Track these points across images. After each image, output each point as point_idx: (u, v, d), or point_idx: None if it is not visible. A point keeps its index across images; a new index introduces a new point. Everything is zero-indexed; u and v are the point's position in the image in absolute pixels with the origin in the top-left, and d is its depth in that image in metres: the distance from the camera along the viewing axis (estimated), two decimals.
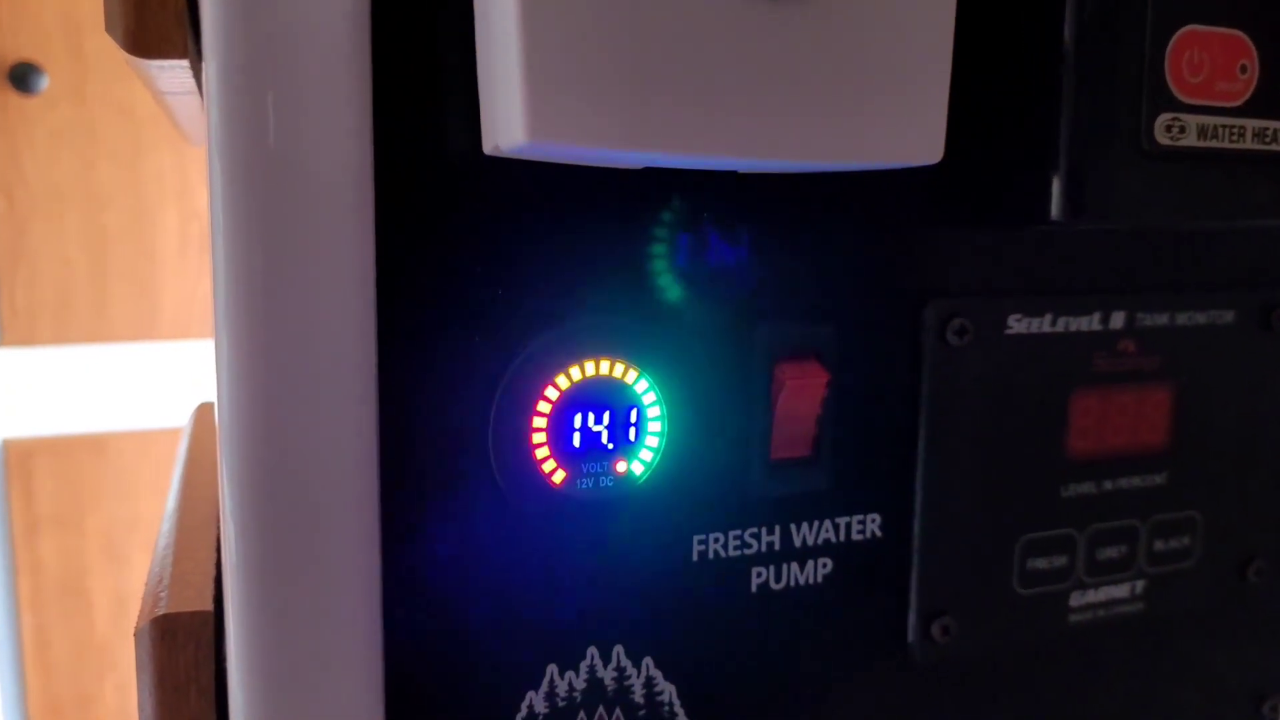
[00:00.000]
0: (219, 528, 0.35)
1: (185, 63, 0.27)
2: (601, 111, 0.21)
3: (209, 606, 0.29)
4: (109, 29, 0.26)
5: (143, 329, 1.47)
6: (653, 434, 0.26)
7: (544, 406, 0.25)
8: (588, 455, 0.25)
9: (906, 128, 0.24)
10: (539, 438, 0.25)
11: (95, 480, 1.47)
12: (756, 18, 0.22)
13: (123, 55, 0.30)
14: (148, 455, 1.49)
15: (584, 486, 0.25)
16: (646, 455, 0.26)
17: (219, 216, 0.22)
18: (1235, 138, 0.28)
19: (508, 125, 0.21)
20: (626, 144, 0.21)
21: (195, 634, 0.28)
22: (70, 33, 1.36)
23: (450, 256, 0.24)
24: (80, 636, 1.46)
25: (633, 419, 0.26)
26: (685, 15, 0.21)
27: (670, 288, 0.26)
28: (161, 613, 0.28)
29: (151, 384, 1.49)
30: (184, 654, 0.28)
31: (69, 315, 1.42)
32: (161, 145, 1.43)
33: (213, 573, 0.31)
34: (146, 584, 0.32)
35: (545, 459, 0.25)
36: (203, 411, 0.58)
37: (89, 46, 1.37)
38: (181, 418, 1.48)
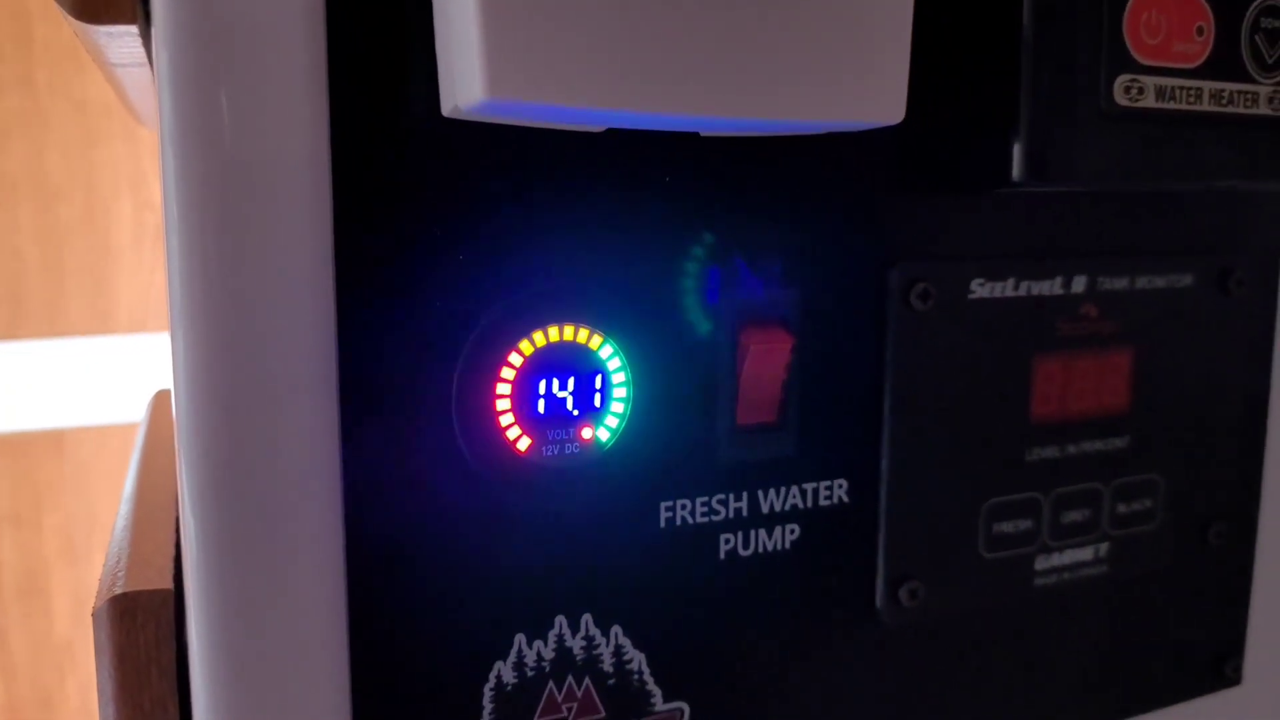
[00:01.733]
0: (179, 508, 0.35)
1: (134, 28, 0.27)
2: (562, 68, 0.21)
3: (169, 585, 0.28)
4: None
5: (99, 323, 1.45)
6: (618, 400, 0.26)
7: (508, 373, 0.25)
8: (553, 422, 0.25)
9: (868, 87, 0.24)
10: (503, 405, 0.25)
11: (53, 477, 1.44)
12: None
13: (72, 27, 0.30)
14: (105, 451, 1.46)
15: (549, 453, 0.25)
16: (612, 422, 0.26)
17: (171, 185, 0.22)
18: (1192, 99, 0.28)
19: (467, 83, 0.21)
20: (587, 101, 0.21)
21: (155, 613, 0.28)
22: (19, 21, 1.34)
23: (411, 221, 0.23)
24: (40, 636, 1.43)
25: (598, 385, 0.26)
26: None
27: (634, 251, 0.26)
28: (120, 591, 0.28)
29: (109, 378, 1.46)
30: (144, 633, 0.28)
31: (22, 310, 1.39)
32: (115, 135, 1.41)
33: (173, 553, 0.31)
34: (104, 566, 0.31)
35: (510, 426, 0.25)
36: (161, 398, 0.57)
37: (38, 35, 1.35)
38: (139, 412, 1.46)
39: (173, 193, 0.22)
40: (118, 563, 0.31)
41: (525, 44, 0.20)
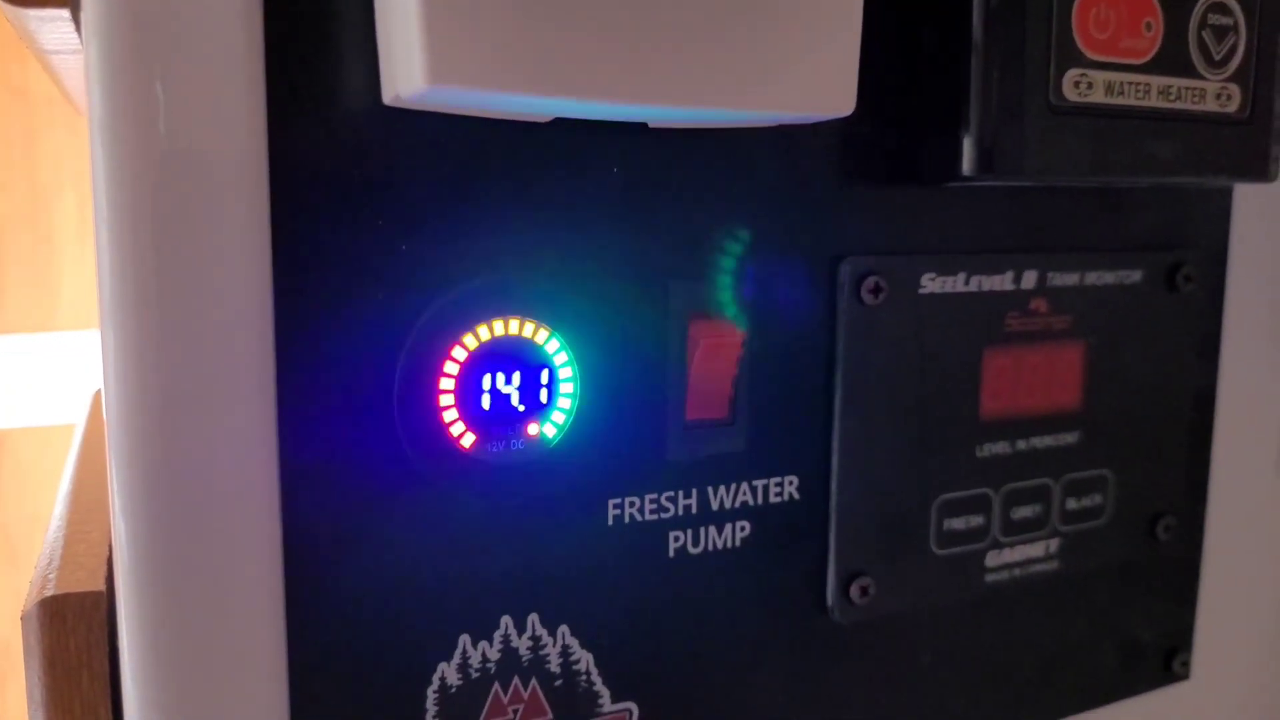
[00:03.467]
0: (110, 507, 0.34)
1: (65, 13, 0.26)
2: (504, 55, 0.20)
3: (101, 587, 0.27)
4: None
5: (40, 319, 1.41)
6: (565, 395, 0.25)
7: (451, 368, 0.24)
8: (497, 418, 0.25)
9: (818, 79, 0.24)
10: (446, 400, 0.24)
11: None
12: None
13: (5, 13, 0.29)
14: (47, 452, 1.43)
15: (494, 450, 0.25)
16: (559, 417, 0.25)
17: (101, 175, 0.21)
18: (1140, 95, 0.28)
19: (407, 71, 0.20)
20: (531, 89, 0.20)
21: (86, 615, 0.27)
22: None
23: (350, 211, 0.23)
24: None
25: (544, 380, 0.25)
26: None
27: (581, 245, 0.25)
28: (50, 594, 0.27)
29: (51, 377, 1.43)
30: (75, 636, 0.27)
31: None
32: (58, 127, 1.38)
33: (106, 554, 0.30)
34: (36, 568, 0.30)
35: (453, 422, 0.24)
36: (99, 397, 0.55)
37: None
38: (83, 412, 1.43)
39: (102, 183, 0.21)
40: (49, 564, 0.30)
41: (467, 31, 0.20)
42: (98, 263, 0.22)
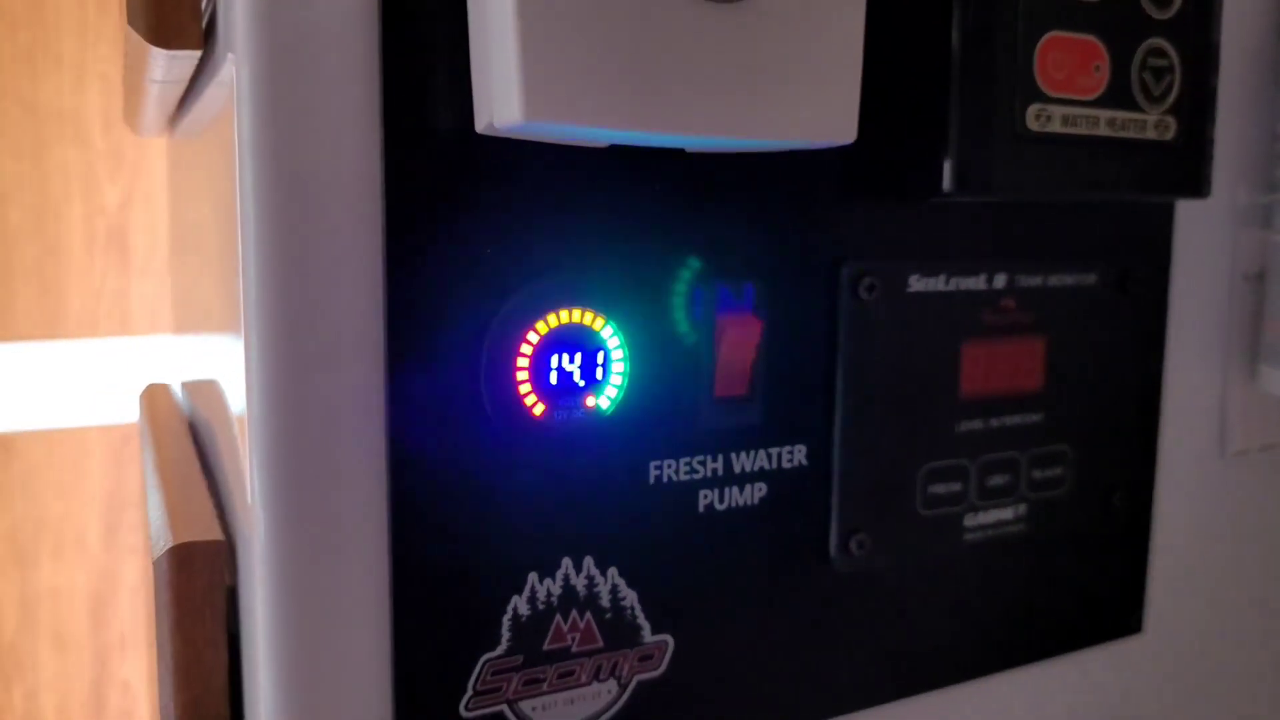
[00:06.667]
0: (208, 480, 0.39)
1: (196, 52, 0.31)
2: (585, 95, 0.25)
3: (221, 538, 0.32)
4: (131, 22, 0.30)
5: (48, 327, 1.45)
6: (617, 374, 0.30)
7: (525, 349, 0.29)
8: (562, 391, 0.30)
9: (825, 113, 0.29)
10: (522, 375, 0.29)
11: (1, 481, 1.44)
12: (705, 19, 0.27)
13: (127, 47, 0.34)
14: (54, 456, 1.47)
15: (559, 417, 0.30)
16: (612, 392, 0.30)
17: (249, 189, 0.26)
18: (1091, 125, 0.34)
19: (504, 105, 0.25)
20: (605, 122, 0.25)
21: (210, 560, 0.32)
22: None
23: (447, 221, 0.28)
24: None
25: (600, 361, 0.30)
26: (650, 15, 0.26)
27: (631, 249, 0.30)
28: (178, 542, 0.31)
29: (58, 383, 1.47)
30: (199, 579, 0.32)
31: None
32: (66, 140, 1.42)
33: (210, 516, 0.35)
34: (149, 531, 0.35)
35: (527, 394, 0.29)
36: (152, 391, 0.60)
37: None
38: (89, 417, 1.47)
39: (250, 196, 0.26)
40: (164, 524, 0.34)
41: (556, 74, 0.25)
42: (242, 268, 0.27)
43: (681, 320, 0.31)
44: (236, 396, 0.30)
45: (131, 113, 0.52)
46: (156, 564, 0.31)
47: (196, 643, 0.32)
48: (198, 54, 0.31)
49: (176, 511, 0.35)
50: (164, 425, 0.50)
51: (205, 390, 0.42)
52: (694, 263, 0.31)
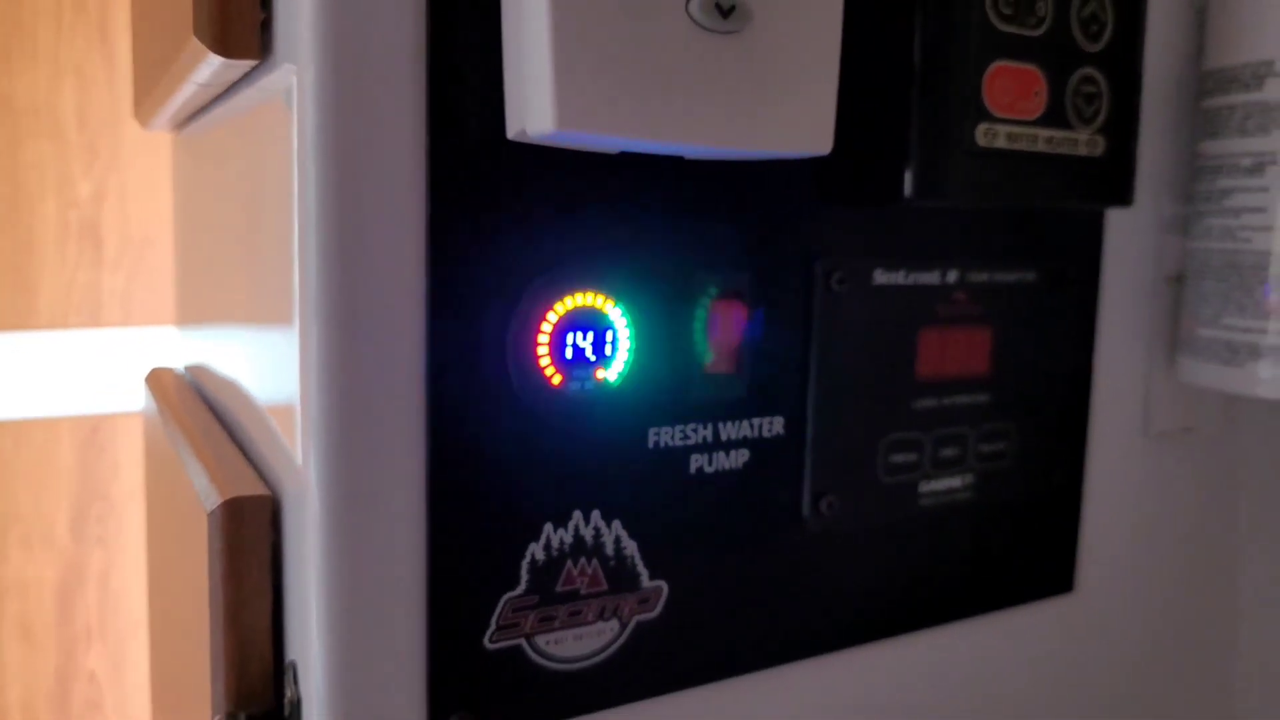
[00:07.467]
0: (244, 452, 0.43)
1: (252, 61, 0.35)
2: (606, 108, 0.30)
3: (268, 493, 0.36)
4: (198, 34, 0.34)
5: (18, 319, 1.46)
6: (623, 350, 0.35)
7: (545, 327, 0.34)
8: (576, 364, 0.34)
9: (806, 127, 0.34)
10: (542, 350, 0.34)
11: None
12: (708, 46, 0.31)
13: (181, 49, 0.37)
14: (23, 447, 1.48)
15: (573, 387, 0.34)
16: (618, 366, 0.35)
17: (312, 186, 0.30)
18: (1032, 142, 0.39)
19: (538, 116, 0.30)
20: (625, 133, 0.30)
21: (258, 513, 0.36)
22: None
23: (479, 215, 0.32)
24: None
25: (609, 339, 0.35)
26: (663, 42, 0.30)
27: (637, 242, 0.35)
28: (231, 496, 0.35)
29: (28, 375, 1.48)
30: (249, 529, 0.36)
31: None
32: (40, 133, 1.43)
33: (250, 476, 0.39)
34: (197, 492, 0.39)
35: (546, 365, 0.34)
36: (159, 374, 0.63)
37: None
38: (60, 408, 1.48)
39: (313, 196, 0.30)
40: (207, 485, 0.38)
41: (584, 91, 0.29)
42: (302, 260, 0.31)
43: (679, 305, 0.36)
44: (281, 373, 0.34)
45: (150, 109, 0.55)
46: (211, 516, 0.35)
47: (246, 587, 0.36)
48: (250, 62, 0.35)
49: (217, 473, 0.39)
50: (181, 402, 0.53)
51: (225, 370, 0.46)
52: (690, 255, 0.36)
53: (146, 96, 0.54)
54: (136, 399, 1.51)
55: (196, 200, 0.56)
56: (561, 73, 0.29)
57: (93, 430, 1.51)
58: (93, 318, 1.50)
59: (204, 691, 0.40)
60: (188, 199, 0.60)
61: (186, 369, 0.63)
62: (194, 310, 0.58)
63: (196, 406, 0.52)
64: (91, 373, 1.50)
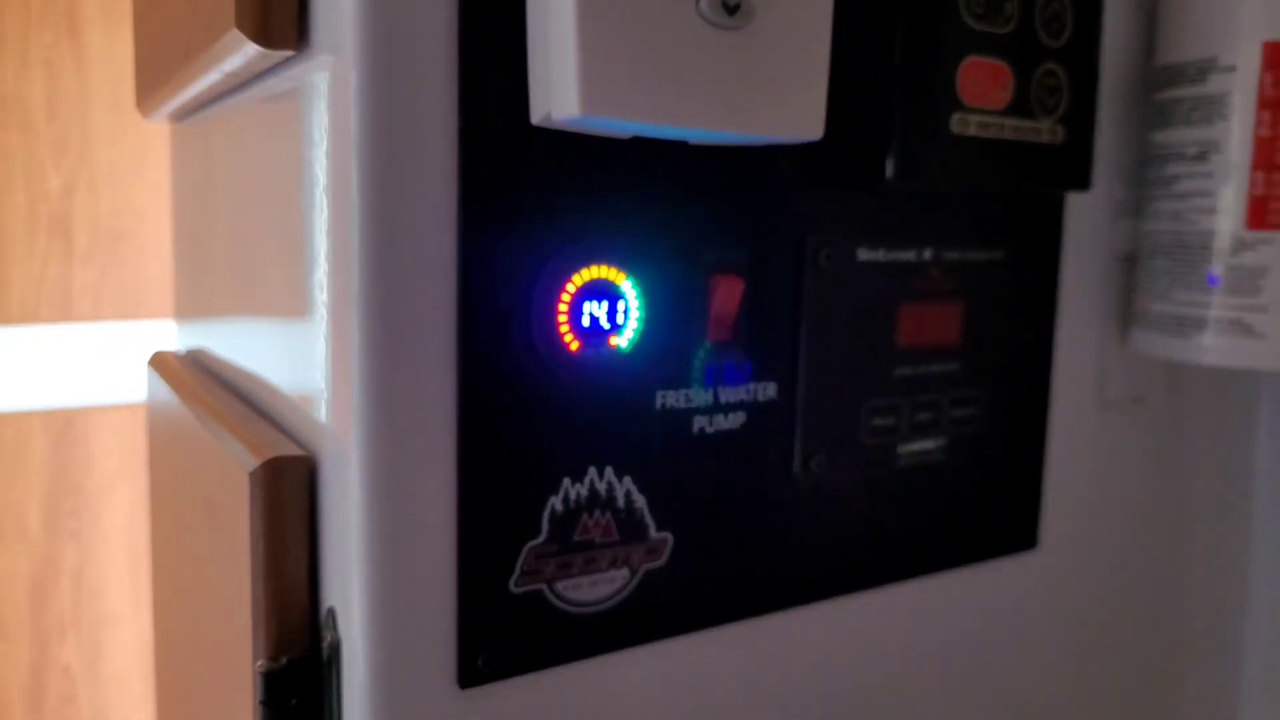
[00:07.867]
0: (264, 418, 0.45)
1: (289, 52, 0.38)
2: (627, 95, 0.33)
3: (306, 454, 0.39)
4: (240, 25, 0.36)
5: None
6: (634, 319, 0.38)
7: (565, 297, 0.37)
8: (592, 331, 0.37)
9: (800, 114, 0.37)
10: (562, 318, 0.37)
11: None
12: (716, 38, 0.34)
13: (213, 39, 0.40)
14: None
15: (589, 353, 0.37)
16: (629, 334, 0.38)
17: (354, 172, 0.33)
18: (1000, 131, 0.43)
19: (563, 101, 0.33)
20: (644, 119, 0.33)
21: (297, 472, 0.38)
22: None
23: (506, 194, 0.35)
24: None
25: (621, 308, 0.38)
26: (676, 35, 0.33)
27: (647, 220, 0.38)
28: (271, 456, 0.38)
29: None
30: (288, 486, 0.38)
31: None
32: (9, 126, 1.43)
33: (280, 440, 0.41)
34: (233, 458, 0.41)
35: (566, 332, 0.37)
36: (163, 357, 0.65)
37: None
38: (28, 401, 1.48)
39: (355, 182, 0.33)
40: (242, 450, 0.41)
41: (606, 79, 0.32)
42: (343, 234, 0.34)
43: (684, 278, 0.39)
44: (317, 346, 0.37)
45: (159, 100, 0.57)
46: (252, 476, 0.38)
47: (286, 540, 0.39)
48: (287, 52, 0.38)
49: (249, 439, 0.42)
50: (193, 380, 0.56)
51: (244, 349, 0.48)
52: (693, 233, 0.39)
53: (157, 88, 0.57)
54: (112, 392, 1.52)
55: (205, 190, 0.58)
56: (587, 62, 0.32)
57: (66, 424, 1.51)
58: (64, 311, 1.50)
59: (235, 650, 0.43)
60: (193, 190, 0.62)
61: (190, 352, 0.65)
62: (202, 294, 0.60)
63: (213, 386, 0.55)
64: (63, 367, 1.50)
